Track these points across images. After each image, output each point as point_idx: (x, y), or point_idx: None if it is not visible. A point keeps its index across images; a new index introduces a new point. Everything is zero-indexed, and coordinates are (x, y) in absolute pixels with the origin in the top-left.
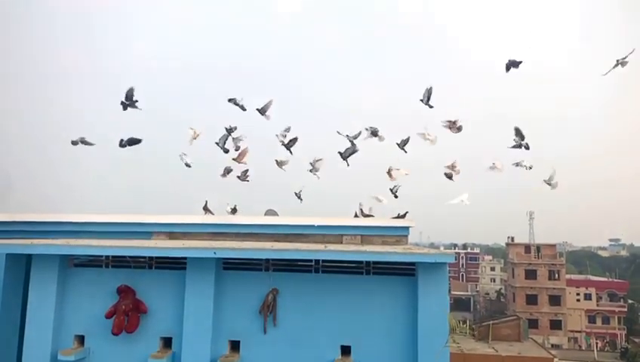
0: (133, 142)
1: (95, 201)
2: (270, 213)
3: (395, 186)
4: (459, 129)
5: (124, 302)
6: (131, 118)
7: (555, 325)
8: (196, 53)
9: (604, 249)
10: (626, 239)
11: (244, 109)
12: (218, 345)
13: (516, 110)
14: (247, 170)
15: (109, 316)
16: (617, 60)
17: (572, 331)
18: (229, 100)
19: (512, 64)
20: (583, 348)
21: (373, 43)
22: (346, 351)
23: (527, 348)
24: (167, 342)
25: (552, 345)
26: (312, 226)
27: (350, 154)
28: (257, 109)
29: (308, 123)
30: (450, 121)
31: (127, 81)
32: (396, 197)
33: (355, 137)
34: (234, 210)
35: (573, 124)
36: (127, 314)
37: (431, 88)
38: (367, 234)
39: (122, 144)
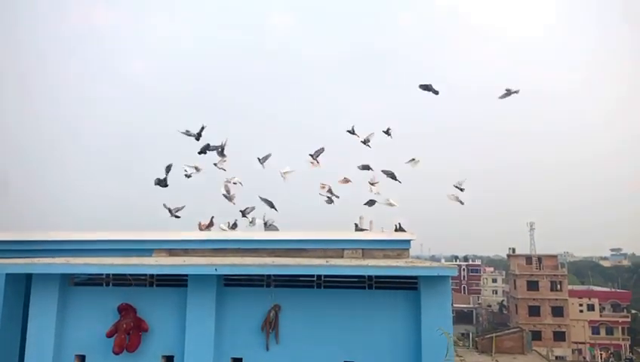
0: (164, 181)
1: (94, 217)
2: (270, 228)
3: (329, 191)
4: (389, 134)
5: (125, 321)
6: (132, 132)
7: (559, 336)
8: (192, 70)
9: (605, 259)
10: (628, 249)
11: (197, 138)
12: None
13: (518, 124)
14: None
15: (109, 335)
16: (508, 90)
17: (576, 342)
18: (183, 132)
19: (428, 88)
20: (588, 360)
21: (369, 57)
22: None
23: (530, 360)
24: (169, 361)
25: (556, 357)
26: (313, 241)
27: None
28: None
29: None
30: (387, 130)
31: (126, 96)
32: (330, 202)
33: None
34: (234, 226)
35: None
36: (129, 333)
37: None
38: (368, 248)
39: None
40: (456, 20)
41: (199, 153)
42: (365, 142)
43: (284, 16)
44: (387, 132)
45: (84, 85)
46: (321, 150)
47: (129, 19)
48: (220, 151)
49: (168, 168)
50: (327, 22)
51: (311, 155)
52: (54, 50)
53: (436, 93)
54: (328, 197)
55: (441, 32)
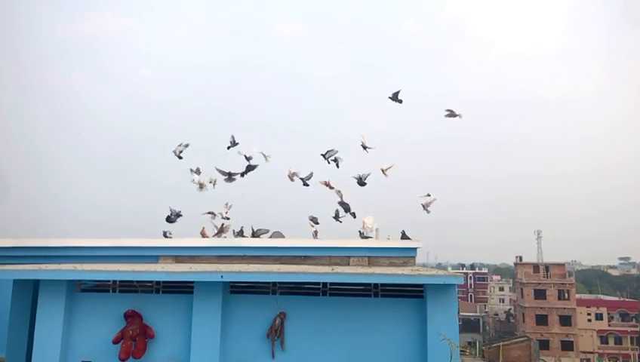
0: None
1: (94, 220)
2: (276, 235)
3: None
4: (365, 148)
5: (132, 327)
6: (134, 136)
7: (567, 346)
8: (199, 78)
9: (614, 268)
10: (637, 257)
11: (229, 148)
12: None
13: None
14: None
15: (116, 341)
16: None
17: (584, 352)
18: (174, 152)
19: (395, 97)
20: None
21: (376, 66)
22: None
23: None
24: None
25: None
26: (319, 248)
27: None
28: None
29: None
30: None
31: (129, 100)
32: (317, 228)
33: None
34: (240, 233)
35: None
36: (135, 340)
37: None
38: (374, 256)
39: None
40: (460, 32)
41: (243, 175)
42: (336, 160)
43: (289, 27)
44: (364, 146)
45: (86, 90)
46: (310, 175)
47: (132, 26)
48: (230, 176)
49: (196, 171)
50: (331, 34)
51: (302, 179)
52: (56, 54)
53: (400, 102)
54: (313, 222)
55: (445, 44)
